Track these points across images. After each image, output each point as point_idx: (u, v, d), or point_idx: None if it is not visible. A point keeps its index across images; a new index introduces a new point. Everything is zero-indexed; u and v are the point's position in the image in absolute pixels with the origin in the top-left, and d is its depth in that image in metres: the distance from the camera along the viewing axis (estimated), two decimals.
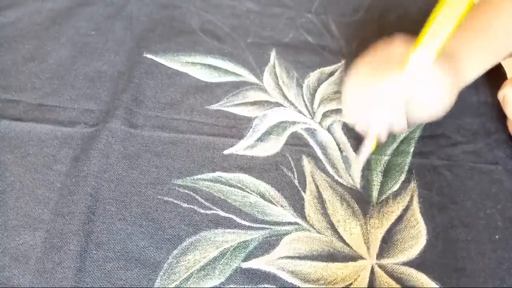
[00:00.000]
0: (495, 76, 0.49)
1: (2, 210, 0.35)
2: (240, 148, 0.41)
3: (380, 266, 0.35)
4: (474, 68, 0.40)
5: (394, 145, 0.43)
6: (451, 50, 0.37)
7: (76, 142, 0.40)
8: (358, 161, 0.40)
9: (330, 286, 0.34)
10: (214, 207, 0.37)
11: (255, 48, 0.50)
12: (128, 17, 0.51)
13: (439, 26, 0.32)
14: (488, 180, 0.41)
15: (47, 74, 0.45)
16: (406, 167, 0.41)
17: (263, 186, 0.39)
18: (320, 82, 0.47)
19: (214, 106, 0.44)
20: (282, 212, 0.37)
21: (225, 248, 0.35)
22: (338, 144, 0.42)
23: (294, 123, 0.43)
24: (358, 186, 0.40)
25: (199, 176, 0.39)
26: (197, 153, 0.40)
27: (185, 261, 0.34)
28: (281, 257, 0.35)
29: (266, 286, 0.34)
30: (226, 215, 0.37)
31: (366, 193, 0.39)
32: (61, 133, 0.40)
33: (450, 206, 0.39)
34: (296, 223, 0.37)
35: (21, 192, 0.36)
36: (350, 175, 0.40)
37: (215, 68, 0.47)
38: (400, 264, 0.35)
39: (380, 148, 0.42)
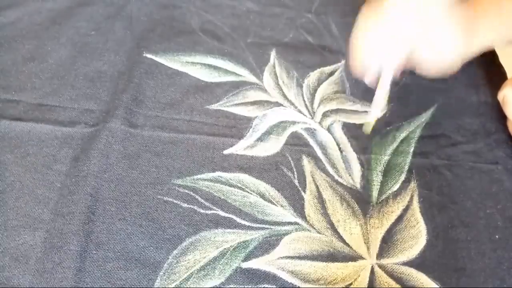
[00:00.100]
0: (495, 76, 0.49)
1: (2, 210, 0.35)
2: (240, 148, 0.41)
3: (380, 266, 0.35)
4: (487, 35, 0.40)
5: (394, 145, 0.43)
6: (466, 14, 0.37)
7: (76, 142, 0.40)
8: (376, 105, 0.40)
9: (330, 286, 0.34)
10: (214, 207, 0.37)
11: (255, 48, 0.50)
12: (128, 17, 0.51)
13: None
14: (488, 180, 0.41)
15: (47, 74, 0.45)
16: (406, 167, 0.41)
17: (263, 186, 0.39)
18: (320, 82, 0.47)
19: (214, 106, 0.44)
20: (282, 212, 0.37)
21: (225, 248, 0.35)
22: (338, 144, 0.42)
23: (294, 123, 0.43)
24: (358, 186, 0.40)
25: (199, 176, 0.39)
26: (197, 153, 0.40)
27: (185, 261, 0.34)
28: (281, 257, 0.35)
29: (266, 286, 0.34)
30: (226, 215, 0.37)
31: (366, 193, 0.39)
32: (61, 133, 0.40)
33: (450, 206, 0.39)
34: (296, 223, 0.37)
35: (21, 192, 0.36)
36: (350, 175, 0.40)
37: (215, 68, 0.47)
38: (400, 264, 0.35)
39: (380, 148, 0.42)
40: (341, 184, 0.40)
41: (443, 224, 0.38)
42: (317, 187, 0.39)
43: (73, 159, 0.38)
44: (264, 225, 0.36)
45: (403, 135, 0.43)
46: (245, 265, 0.34)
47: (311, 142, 0.42)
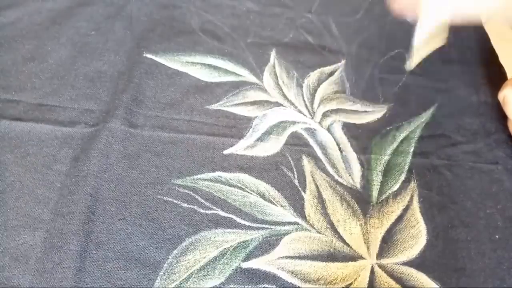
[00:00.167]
0: (495, 76, 0.49)
1: (2, 210, 0.35)
2: (240, 148, 0.41)
3: (380, 266, 0.35)
4: None
5: (394, 145, 0.43)
6: None
7: (76, 142, 0.40)
8: (419, 44, 0.39)
9: (330, 286, 0.34)
10: (214, 207, 0.37)
11: (255, 48, 0.50)
12: (128, 17, 0.51)
13: None
14: (488, 180, 0.41)
15: (47, 74, 0.45)
16: (406, 167, 0.41)
17: (263, 186, 0.39)
18: (320, 82, 0.47)
19: (214, 106, 0.44)
20: (282, 212, 0.37)
21: (225, 248, 0.35)
22: (338, 144, 0.42)
23: (294, 123, 0.43)
24: (358, 186, 0.40)
25: (199, 176, 0.39)
26: (197, 153, 0.40)
27: (185, 261, 0.34)
28: (281, 257, 0.35)
29: (266, 286, 0.34)
30: (226, 215, 0.37)
31: (366, 193, 0.39)
32: (61, 133, 0.40)
33: (450, 206, 0.39)
34: (296, 223, 0.37)
35: (21, 192, 0.36)
36: (350, 175, 0.40)
37: (215, 68, 0.47)
38: (400, 264, 0.35)
39: (380, 148, 0.42)
40: (341, 184, 0.40)
41: (443, 224, 0.38)
42: (317, 187, 0.39)
43: (73, 159, 0.38)
44: (264, 225, 0.36)
45: (403, 135, 0.43)
46: (245, 265, 0.34)
47: (311, 142, 0.42)
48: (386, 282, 0.34)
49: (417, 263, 0.35)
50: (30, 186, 0.37)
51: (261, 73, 0.47)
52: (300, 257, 0.35)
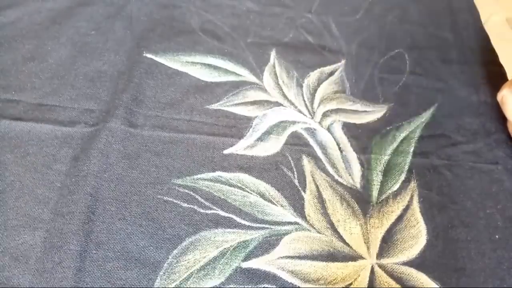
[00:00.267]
0: (495, 76, 0.49)
1: (2, 210, 0.35)
2: (240, 147, 0.41)
3: (380, 266, 0.35)
4: None
5: (394, 145, 0.43)
6: None
7: (76, 142, 0.40)
8: None
9: (330, 286, 0.34)
10: (214, 207, 0.37)
11: (255, 48, 0.50)
12: (128, 17, 0.51)
13: None
14: (488, 180, 0.41)
15: (47, 74, 0.45)
16: (406, 167, 0.41)
17: (263, 186, 0.39)
18: (320, 82, 0.47)
19: (214, 106, 0.44)
20: (282, 211, 0.37)
21: (225, 248, 0.35)
22: (338, 144, 0.42)
23: (294, 122, 0.43)
24: (358, 185, 0.40)
25: (199, 176, 0.39)
26: (197, 153, 0.40)
27: (185, 260, 0.34)
28: (281, 257, 0.35)
29: (266, 286, 0.34)
30: (226, 214, 0.37)
31: (366, 192, 0.39)
32: (61, 133, 0.40)
33: (450, 206, 0.39)
34: (296, 223, 0.37)
35: (21, 192, 0.36)
36: (350, 175, 0.40)
37: (215, 67, 0.47)
38: (400, 264, 0.35)
39: (380, 147, 0.42)
40: (341, 184, 0.40)
41: (443, 224, 0.38)
42: (317, 187, 0.39)
43: (73, 159, 0.38)
44: (264, 225, 0.36)
45: (403, 135, 0.43)
46: (245, 265, 0.34)
47: (311, 142, 0.42)
48: (386, 282, 0.34)
49: (417, 263, 0.35)
50: (30, 186, 0.37)
51: (261, 73, 0.47)
52: (300, 257, 0.35)
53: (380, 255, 0.36)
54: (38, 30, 0.48)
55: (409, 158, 0.42)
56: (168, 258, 0.34)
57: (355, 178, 0.40)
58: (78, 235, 0.34)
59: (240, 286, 0.33)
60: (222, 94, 0.45)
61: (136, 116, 0.42)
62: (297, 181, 0.39)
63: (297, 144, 0.42)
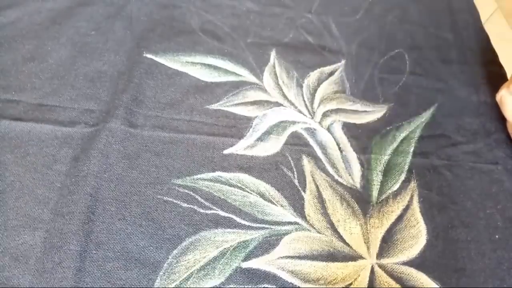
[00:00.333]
0: (495, 76, 0.49)
1: (2, 210, 0.35)
2: (240, 147, 0.41)
3: (380, 266, 0.35)
4: None
5: (394, 145, 0.43)
6: None
7: (76, 142, 0.40)
8: None
9: (330, 286, 0.34)
10: (214, 207, 0.37)
11: (255, 48, 0.50)
12: (128, 17, 0.51)
13: None
14: (488, 180, 0.41)
15: (47, 74, 0.45)
16: (406, 167, 0.41)
17: (263, 186, 0.39)
18: (320, 82, 0.47)
19: (214, 106, 0.44)
20: (282, 211, 0.37)
21: (225, 248, 0.35)
22: (338, 144, 0.42)
23: (294, 122, 0.43)
24: (358, 185, 0.40)
25: (199, 176, 0.39)
26: (197, 153, 0.40)
27: (185, 261, 0.34)
28: (281, 257, 0.35)
29: (266, 286, 0.34)
30: (226, 214, 0.37)
31: (366, 192, 0.39)
32: (61, 133, 0.40)
33: (450, 206, 0.39)
34: (296, 223, 0.37)
35: (21, 192, 0.36)
36: (350, 175, 0.40)
37: (215, 68, 0.47)
38: (400, 264, 0.35)
39: (380, 147, 0.42)
40: (341, 184, 0.40)
41: (443, 224, 0.38)
42: (317, 187, 0.39)
43: (73, 159, 0.38)
44: (264, 225, 0.36)
45: (403, 135, 0.43)
46: (245, 265, 0.34)
47: (311, 142, 0.42)
48: (386, 282, 0.34)
49: (417, 263, 0.35)
50: (30, 186, 0.37)
51: (261, 73, 0.47)
52: (300, 257, 0.35)
53: (380, 255, 0.36)
54: (38, 30, 0.48)
55: (409, 158, 0.42)
56: (168, 258, 0.34)
57: (355, 178, 0.40)
58: (78, 235, 0.34)
59: (240, 286, 0.33)
60: (222, 94, 0.45)
61: (136, 116, 0.42)
62: (297, 181, 0.39)
63: (297, 144, 0.42)
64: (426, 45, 0.53)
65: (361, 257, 0.36)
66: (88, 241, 0.34)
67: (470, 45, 0.53)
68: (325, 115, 0.44)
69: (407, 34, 0.54)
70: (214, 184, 0.38)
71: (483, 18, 0.57)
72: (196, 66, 0.47)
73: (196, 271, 0.34)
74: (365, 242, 0.36)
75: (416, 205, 0.39)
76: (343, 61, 0.50)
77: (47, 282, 0.32)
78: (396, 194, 0.39)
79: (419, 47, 0.52)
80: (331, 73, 0.48)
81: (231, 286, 0.33)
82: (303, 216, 0.37)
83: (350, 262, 0.35)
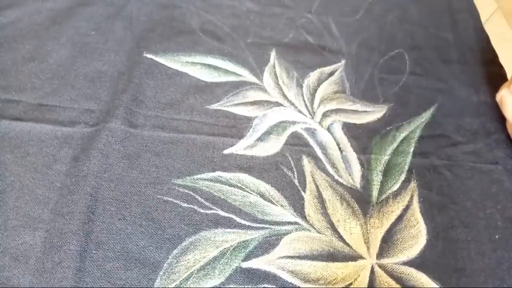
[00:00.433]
0: (495, 76, 0.49)
1: (2, 210, 0.35)
2: (240, 147, 0.41)
3: (380, 266, 0.35)
4: None
5: (394, 145, 0.43)
6: None
7: (76, 142, 0.40)
8: None
9: (330, 286, 0.34)
10: (214, 207, 0.37)
11: (255, 48, 0.50)
12: (128, 17, 0.51)
13: None
14: (488, 180, 0.41)
15: (47, 74, 0.45)
16: (406, 167, 0.41)
17: (263, 186, 0.39)
18: (320, 82, 0.47)
19: (214, 106, 0.44)
20: (282, 211, 0.37)
21: (225, 248, 0.35)
22: (338, 144, 0.42)
23: (294, 123, 0.43)
24: (358, 186, 0.40)
25: (199, 176, 0.39)
26: (197, 153, 0.40)
27: (185, 260, 0.34)
28: (281, 257, 0.35)
29: (266, 286, 0.34)
30: (226, 214, 0.37)
31: (366, 192, 0.39)
32: (61, 133, 0.40)
33: (450, 206, 0.39)
34: (296, 223, 0.37)
35: (21, 192, 0.36)
36: (350, 175, 0.40)
37: (215, 68, 0.47)
38: (400, 264, 0.35)
39: (380, 148, 0.42)
40: (341, 184, 0.40)
41: (443, 224, 0.38)
42: (317, 187, 0.39)
43: (73, 159, 0.38)
44: (264, 225, 0.36)
45: (403, 135, 0.43)
46: (245, 265, 0.34)
47: (311, 142, 0.42)
48: (386, 282, 0.34)
49: (417, 263, 0.35)
50: (30, 186, 0.37)
51: (261, 73, 0.47)
52: (300, 257, 0.35)
53: (380, 255, 0.36)
54: (38, 30, 0.48)
55: (409, 158, 0.42)
56: (168, 258, 0.34)
57: (355, 178, 0.40)
58: (78, 235, 0.34)
59: (240, 286, 0.33)
60: (222, 94, 0.45)
61: (136, 116, 0.42)
62: (297, 181, 0.39)
63: (297, 144, 0.42)
64: (426, 45, 0.53)
65: (361, 257, 0.36)
66: (88, 241, 0.34)
67: (470, 45, 0.53)
68: (325, 115, 0.44)
69: (407, 34, 0.54)
70: (214, 184, 0.38)
71: (483, 18, 0.57)
72: (196, 66, 0.47)
73: (196, 271, 0.34)
74: (365, 242, 0.36)
75: (416, 205, 0.39)
76: (343, 61, 0.50)
77: (47, 282, 0.32)
78: (396, 194, 0.39)
79: (419, 47, 0.52)
80: (331, 73, 0.48)
81: (231, 286, 0.33)
82: (303, 216, 0.37)
83: (350, 262, 0.35)
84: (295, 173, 0.40)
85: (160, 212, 0.36)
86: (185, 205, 0.37)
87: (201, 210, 0.37)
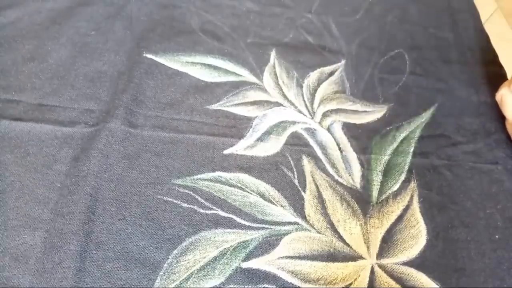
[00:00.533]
0: (495, 76, 0.49)
1: (2, 210, 0.35)
2: (240, 148, 0.41)
3: (380, 266, 0.35)
4: None
5: (394, 145, 0.43)
6: None
7: (76, 142, 0.40)
8: None
9: (330, 286, 0.34)
10: (214, 207, 0.37)
11: (255, 48, 0.50)
12: (128, 17, 0.51)
13: None
14: (488, 180, 0.41)
15: (47, 74, 0.45)
16: (406, 167, 0.41)
17: (263, 186, 0.39)
18: (320, 82, 0.47)
19: (214, 106, 0.44)
20: (282, 212, 0.37)
21: (225, 248, 0.35)
22: (338, 144, 0.42)
23: (294, 123, 0.43)
24: (358, 186, 0.40)
25: (199, 176, 0.39)
26: (197, 153, 0.40)
27: (185, 261, 0.34)
28: (281, 257, 0.35)
29: (266, 286, 0.34)
30: (226, 215, 0.37)
31: (366, 193, 0.39)
32: (61, 133, 0.40)
33: (450, 206, 0.39)
34: (296, 223, 0.37)
35: (21, 192, 0.36)
36: (350, 175, 0.40)
37: (215, 68, 0.47)
38: (400, 264, 0.35)
39: (380, 148, 0.42)
40: (341, 184, 0.40)
41: (443, 224, 0.38)
42: (317, 187, 0.39)
43: (73, 159, 0.38)
44: (264, 225, 0.36)
45: (403, 135, 0.43)
46: (245, 265, 0.34)
47: (311, 142, 0.42)
48: (386, 282, 0.34)
49: (417, 263, 0.35)
50: (30, 186, 0.37)
51: (261, 73, 0.47)
52: (300, 257, 0.35)
53: (380, 255, 0.36)
54: (38, 30, 0.48)
55: (409, 158, 0.42)
56: (168, 258, 0.34)
57: (355, 178, 0.40)
58: (78, 235, 0.34)
59: (240, 286, 0.33)
60: (222, 94, 0.45)
61: (136, 116, 0.42)
62: (297, 181, 0.39)
63: (297, 144, 0.42)
64: (426, 45, 0.53)
65: (361, 257, 0.36)
66: (88, 241, 0.34)
67: (470, 45, 0.53)
68: (325, 115, 0.44)
69: (407, 34, 0.54)
70: (214, 184, 0.38)
71: (483, 18, 0.57)
72: (196, 66, 0.47)
73: (196, 271, 0.34)
74: (365, 242, 0.36)
75: (416, 205, 0.39)
76: (343, 61, 0.50)
77: (47, 282, 0.32)
78: (396, 194, 0.39)
79: (419, 47, 0.52)
80: (331, 73, 0.48)
81: (231, 286, 0.33)
82: (303, 216, 0.37)
83: (350, 262, 0.35)
84: (295, 173, 0.40)
85: (160, 212, 0.36)
86: (185, 205, 0.37)
87: (201, 210, 0.37)
